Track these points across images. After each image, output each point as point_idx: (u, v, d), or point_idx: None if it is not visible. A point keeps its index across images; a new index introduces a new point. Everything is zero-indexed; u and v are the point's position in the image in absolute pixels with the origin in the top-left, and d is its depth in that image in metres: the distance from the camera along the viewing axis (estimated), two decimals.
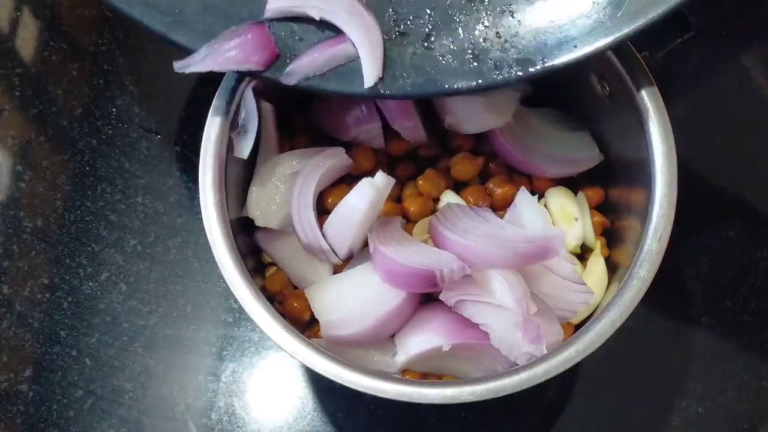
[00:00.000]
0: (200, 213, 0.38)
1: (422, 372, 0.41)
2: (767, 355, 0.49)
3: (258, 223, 0.42)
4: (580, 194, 0.46)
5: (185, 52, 0.37)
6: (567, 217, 0.45)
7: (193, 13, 0.36)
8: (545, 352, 0.37)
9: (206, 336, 0.50)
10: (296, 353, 0.36)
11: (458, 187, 0.46)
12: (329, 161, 0.43)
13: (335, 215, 0.41)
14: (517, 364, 0.38)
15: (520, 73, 0.36)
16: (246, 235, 0.43)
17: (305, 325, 0.42)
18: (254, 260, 0.44)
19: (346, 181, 0.45)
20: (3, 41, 0.57)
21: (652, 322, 0.49)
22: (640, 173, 0.40)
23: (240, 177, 0.42)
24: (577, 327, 0.41)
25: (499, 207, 0.45)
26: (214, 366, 0.49)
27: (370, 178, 0.40)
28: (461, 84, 0.36)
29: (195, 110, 0.55)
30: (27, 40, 0.58)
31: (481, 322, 0.38)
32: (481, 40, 0.36)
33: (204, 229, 0.38)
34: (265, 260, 0.45)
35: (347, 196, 0.40)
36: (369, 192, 0.39)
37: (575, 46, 0.35)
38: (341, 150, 0.43)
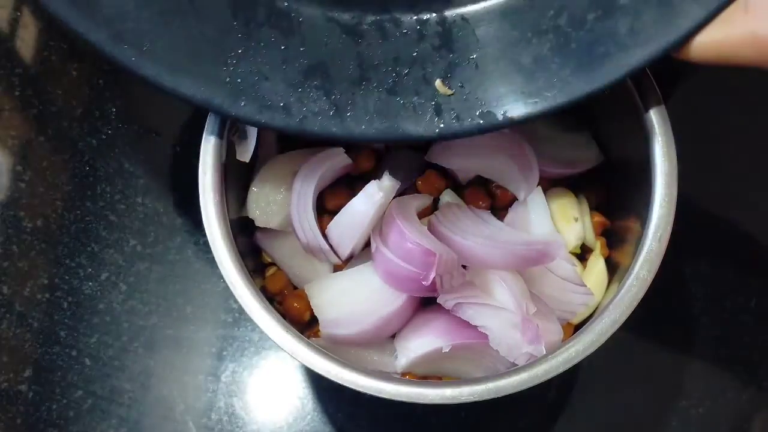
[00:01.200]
0: (200, 213, 0.38)
1: (423, 374, 0.41)
2: (767, 355, 0.49)
3: (258, 223, 0.42)
4: (580, 194, 0.46)
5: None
6: (567, 217, 0.45)
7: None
8: (544, 352, 0.37)
9: (206, 336, 0.50)
10: (296, 353, 0.36)
11: (458, 187, 0.46)
12: (329, 161, 0.42)
13: (340, 217, 0.41)
14: (517, 365, 0.38)
15: (481, 122, 0.36)
16: (246, 235, 0.43)
17: (305, 325, 0.42)
18: (254, 260, 0.44)
19: (346, 181, 0.45)
20: (3, 41, 0.57)
21: (652, 323, 0.49)
22: (640, 173, 0.40)
23: (240, 177, 0.42)
24: (577, 327, 0.41)
25: (500, 207, 0.45)
26: (214, 366, 0.49)
27: (377, 182, 0.40)
28: (422, 131, 0.36)
29: (195, 110, 0.55)
30: (27, 40, 0.58)
31: (479, 323, 0.38)
32: (445, 90, 0.37)
33: (204, 229, 0.38)
34: (265, 260, 0.45)
35: (354, 200, 0.40)
36: (377, 196, 0.39)
37: (536, 102, 0.36)
38: (341, 150, 0.43)
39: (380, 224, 0.40)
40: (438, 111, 0.36)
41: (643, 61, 0.34)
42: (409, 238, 0.38)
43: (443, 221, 0.41)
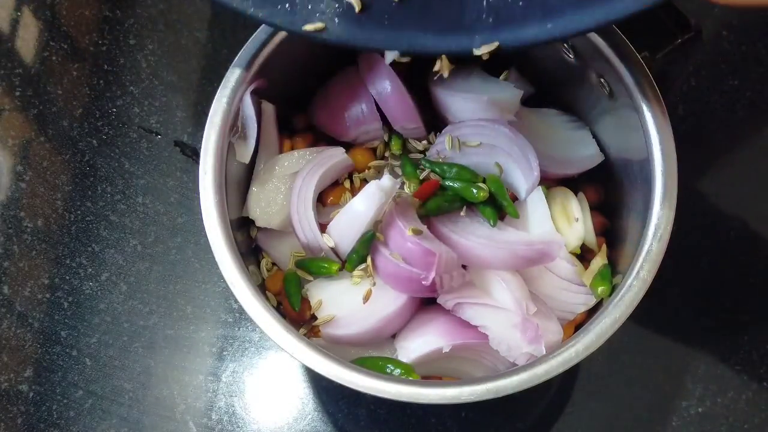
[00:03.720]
0: (200, 213, 0.38)
1: (423, 374, 0.41)
2: (767, 355, 0.49)
3: (258, 223, 0.42)
4: (580, 194, 0.46)
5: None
6: (567, 218, 0.45)
7: None
8: (544, 352, 0.37)
9: (206, 336, 0.50)
10: (296, 353, 0.36)
11: None
12: (329, 161, 0.43)
13: (341, 217, 0.41)
14: (517, 365, 0.38)
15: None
16: (246, 235, 0.43)
17: (305, 325, 0.42)
18: (254, 260, 0.44)
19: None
20: (3, 41, 0.57)
21: (652, 322, 0.49)
22: (640, 173, 0.40)
23: (240, 177, 0.42)
24: (577, 327, 0.41)
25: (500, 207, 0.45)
26: (214, 366, 0.49)
27: (377, 181, 0.40)
28: (451, 46, 0.34)
29: (195, 110, 0.55)
30: (27, 40, 0.58)
31: (479, 323, 0.38)
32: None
33: (204, 229, 0.38)
34: (265, 260, 0.45)
35: (355, 199, 0.40)
36: (377, 195, 0.39)
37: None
38: (341, 150, 0.44)
39: (380, 224, 0.40)
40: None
41: None
42: (409, 238, 0.38)
43: (443, 221, 0.41)
